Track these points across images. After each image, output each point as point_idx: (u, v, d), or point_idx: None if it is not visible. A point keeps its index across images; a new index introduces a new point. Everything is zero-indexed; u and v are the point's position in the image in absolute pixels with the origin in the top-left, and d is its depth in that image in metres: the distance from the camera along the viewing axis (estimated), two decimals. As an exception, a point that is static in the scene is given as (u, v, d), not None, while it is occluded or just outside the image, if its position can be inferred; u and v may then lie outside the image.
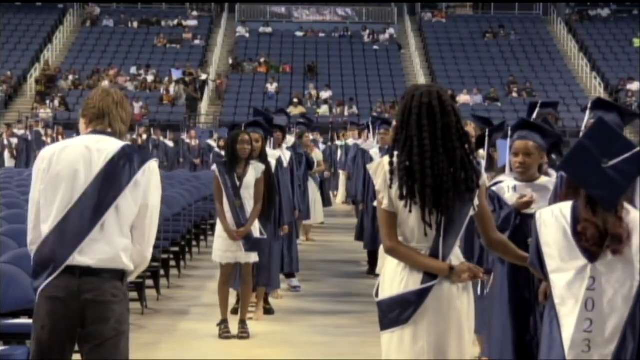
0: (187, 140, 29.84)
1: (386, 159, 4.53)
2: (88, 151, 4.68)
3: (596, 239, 4.03)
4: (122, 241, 4.64)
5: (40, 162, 4.73)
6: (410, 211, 4.46)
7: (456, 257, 4.53)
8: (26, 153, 29.04)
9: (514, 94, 37.23)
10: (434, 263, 4.46)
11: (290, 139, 13.05)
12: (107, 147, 4.70)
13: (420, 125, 4.44)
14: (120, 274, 4.66)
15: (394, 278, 4.53)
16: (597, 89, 37.93)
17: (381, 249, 4.99)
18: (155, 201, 4.73)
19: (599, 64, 39.98)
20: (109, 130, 4.80)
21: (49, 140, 28.11)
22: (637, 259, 3.99)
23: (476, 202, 4.49)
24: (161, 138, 29.12)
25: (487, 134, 7.28)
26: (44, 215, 4.67)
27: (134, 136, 29.67)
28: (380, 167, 4.55)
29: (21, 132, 30.17)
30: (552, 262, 4.13)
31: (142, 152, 4.90)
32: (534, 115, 7.59)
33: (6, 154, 29.20)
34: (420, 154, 4.42)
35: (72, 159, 4.66)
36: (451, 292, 4.47)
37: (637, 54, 39.57)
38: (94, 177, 4.64)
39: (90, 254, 4.59)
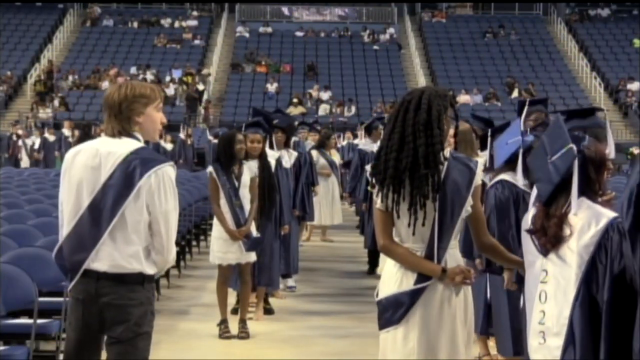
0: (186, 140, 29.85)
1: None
2: (97, 157, 4.67)
3: (544, 228, 4.16)
4: (129, 249, 4.66)
5: (64, 163, 4.81)
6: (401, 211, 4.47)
7: (453, 259, 4.52)
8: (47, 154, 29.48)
9: (515, 94, 37.21)
10: (426, 264, 4.46)
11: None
12: (117, 151, 4.66)
13: (394, 122, 4.50)
14: (138, 278, 4.67)
15: (390, 278, 4.55)
16: (597, 89, 37.95)
17: None
18: (168, 206, 4.72)
19: (599, 64, 39.97)
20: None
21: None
22: (581, 253, 4.06)
23: (470, 202, 4.50)
24: (212, 139, 29.06)
25: (489, 134, 7.28)
26: (63, 218, 4.76)
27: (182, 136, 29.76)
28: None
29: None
30: (524, 259, 4.33)
31: (150, 158, 4.71)
32: (524, 114, 7.58)
33: (23, 155, 29.38)
34: (387, 151, 4.48)
35: (82, 165, 4.68)
36: (444, 294, 4.48)
37: (637, 54, 39.57)
38: (101, 185, 4.64)
39: (103, 259, 4.64)
